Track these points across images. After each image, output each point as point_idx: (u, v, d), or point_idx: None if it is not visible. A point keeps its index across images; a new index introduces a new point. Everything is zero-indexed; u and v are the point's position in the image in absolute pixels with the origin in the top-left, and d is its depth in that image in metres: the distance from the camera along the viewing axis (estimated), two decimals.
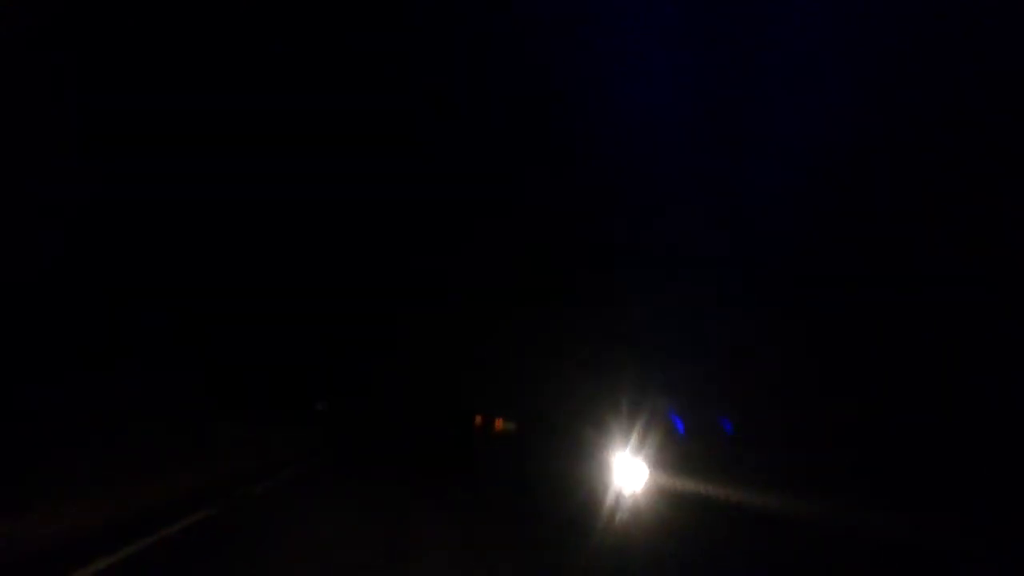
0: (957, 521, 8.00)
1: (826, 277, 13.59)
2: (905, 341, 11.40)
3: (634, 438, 13.13)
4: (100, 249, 15.74)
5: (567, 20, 15.50)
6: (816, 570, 7.68)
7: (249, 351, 25.30)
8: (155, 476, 9.97)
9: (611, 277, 22.75)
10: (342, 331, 35.59)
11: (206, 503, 8.72)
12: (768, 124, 14.38)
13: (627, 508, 11.00)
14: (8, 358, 11.93)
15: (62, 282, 13.79)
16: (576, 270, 25.06)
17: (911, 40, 10.90)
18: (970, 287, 10.70)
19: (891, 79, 11.43)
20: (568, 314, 25.17)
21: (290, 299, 29.39)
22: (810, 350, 13.67)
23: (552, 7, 15.45)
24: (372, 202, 26.52)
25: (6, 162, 12.24)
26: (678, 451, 13.53)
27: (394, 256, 32.45)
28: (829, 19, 11.89)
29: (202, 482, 10.48)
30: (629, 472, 12.56)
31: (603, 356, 21.50)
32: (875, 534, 8.56)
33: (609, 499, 11.48)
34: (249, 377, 24.89)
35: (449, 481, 14.55)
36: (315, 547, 7.12)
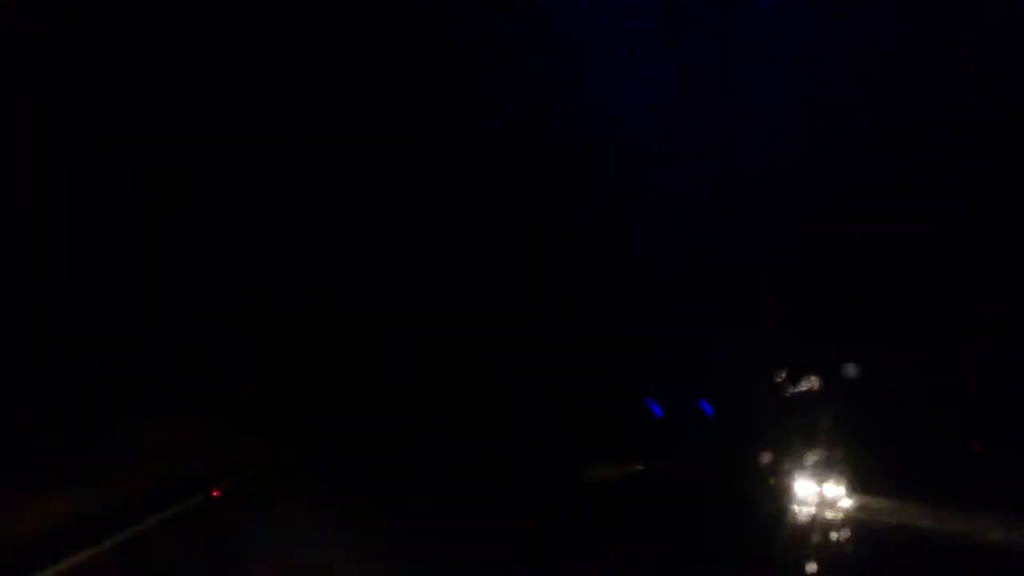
0: None
1: (826, 276, 13.60)
2: (904, 339, 11.41)
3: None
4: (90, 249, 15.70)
5: (567, 21, 15.51)
6: None
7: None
8: None
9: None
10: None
11: None
12: (766, 124, 14.37)
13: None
14: None
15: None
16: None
17: (911, 40, 10.90)
18: (970, 288, 10.70)
19: (891, 79, 11.44)
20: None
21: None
22: (811, 350, 13.66)
23: (552, 7, 15.46)
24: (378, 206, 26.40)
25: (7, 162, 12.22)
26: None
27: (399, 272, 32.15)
28: (829, 19, 11.90)
29: None
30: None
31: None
32: None
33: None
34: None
35: None
36: None
